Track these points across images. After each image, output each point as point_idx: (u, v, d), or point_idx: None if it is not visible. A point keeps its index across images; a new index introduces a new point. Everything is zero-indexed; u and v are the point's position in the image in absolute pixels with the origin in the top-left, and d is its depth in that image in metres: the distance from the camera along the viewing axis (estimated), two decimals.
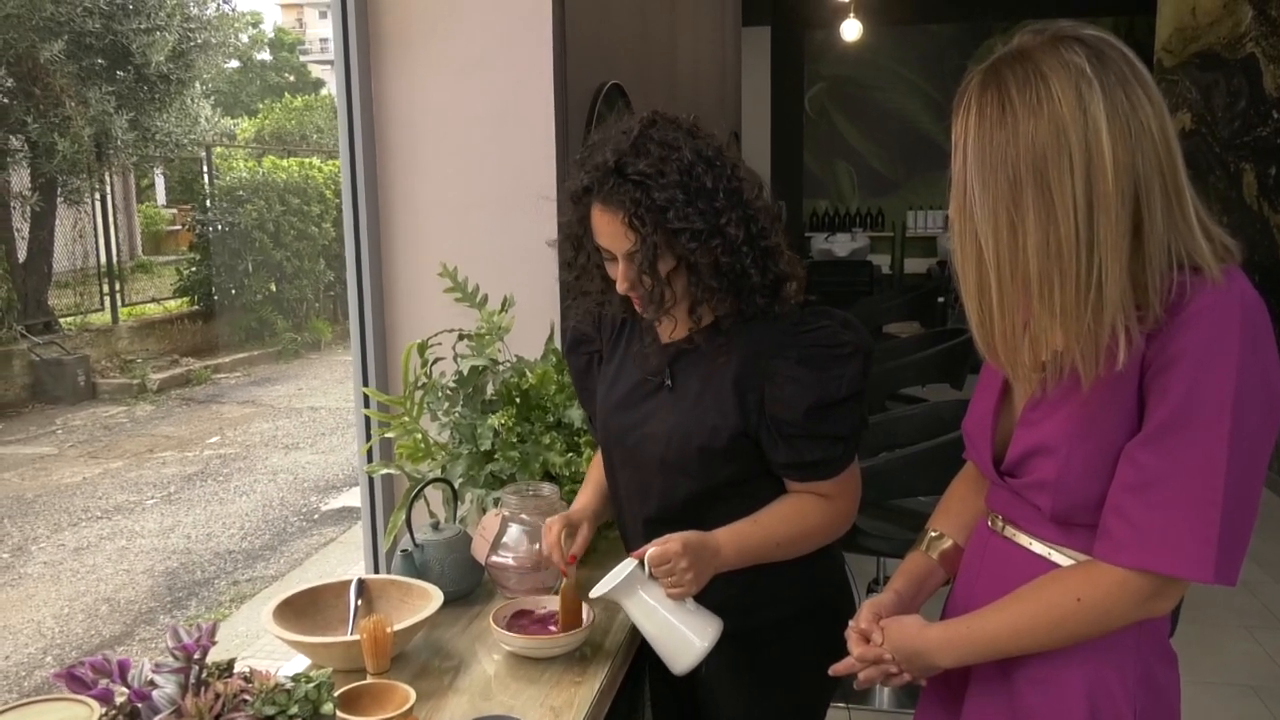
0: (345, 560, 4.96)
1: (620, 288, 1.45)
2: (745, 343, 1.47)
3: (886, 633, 1.25)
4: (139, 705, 1.08)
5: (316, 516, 5.67)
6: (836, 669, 1.30)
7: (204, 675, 1.11)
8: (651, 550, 1.38)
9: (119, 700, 1.10)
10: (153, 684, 1.09)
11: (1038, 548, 1.20)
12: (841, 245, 9.37)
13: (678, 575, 1.37)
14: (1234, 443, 1.02)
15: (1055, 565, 1.17)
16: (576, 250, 1.53)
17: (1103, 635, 1.13)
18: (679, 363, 1.52)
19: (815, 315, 1.48)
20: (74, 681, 1.10)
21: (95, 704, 1.06)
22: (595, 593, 1.40)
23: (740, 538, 1.45)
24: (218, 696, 1.07)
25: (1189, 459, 1.04)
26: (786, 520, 1.48)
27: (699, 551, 1.39)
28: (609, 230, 1.42)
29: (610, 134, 1.46)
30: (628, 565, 1.40)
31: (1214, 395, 1.02)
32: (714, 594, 1.42)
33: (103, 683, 1.10)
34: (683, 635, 1.39)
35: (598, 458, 1.70)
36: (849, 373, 1.43)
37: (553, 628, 1.53)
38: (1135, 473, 1.07)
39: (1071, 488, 1.12)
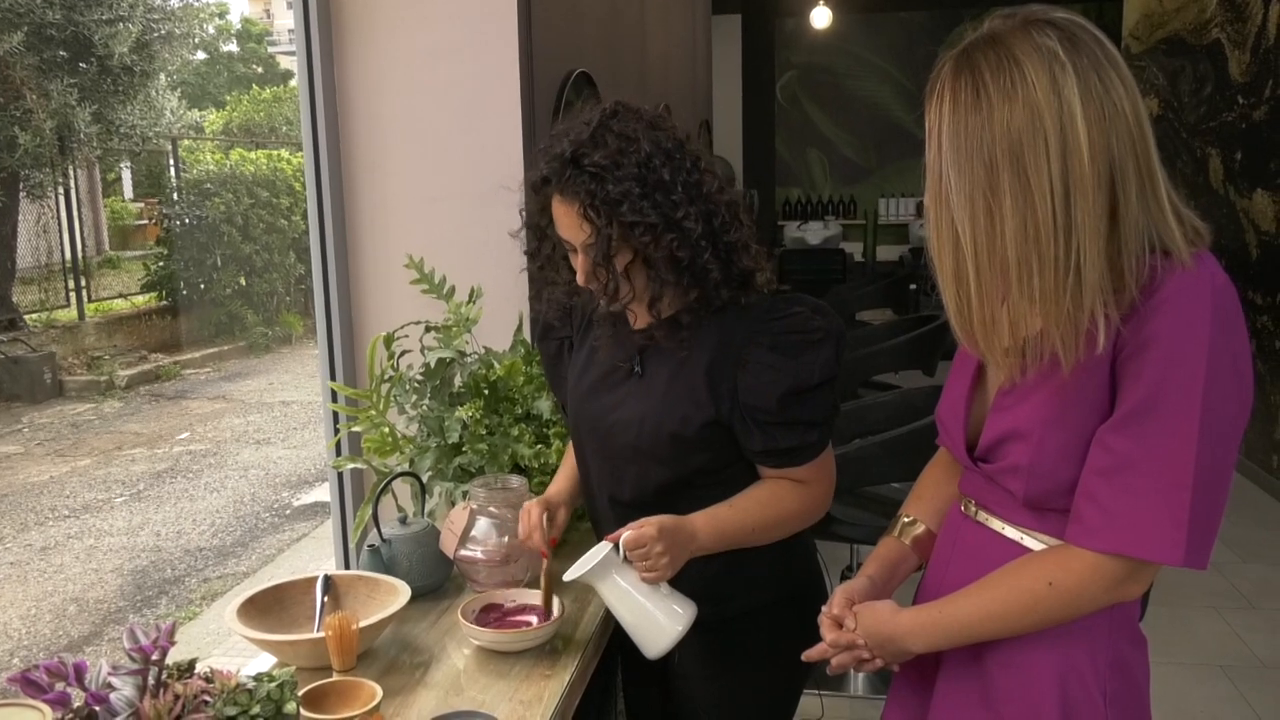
0: (318, 556, 4.91)
1: (579, 279, 1.44)
2: (716, 331, 1.45)
3: (859, 618, 1.25)
4: (96, 708, 1.06)
5: (289, 512, 5.61)
6: (809, 655, 1.29)
7: (163, 676, 1.09)
8: (627, 534, 1.37)
9: (76, 704, 1.07)
10: (110, 686, 1.07)
11: (1010, 532, 1.19)
12: (814, 233, 9.39)
13: (653, 559, 1.36)
14: (1204, 427, 1.02)
15: (1028, 550, 1.17)
16: (540, 241, 1.52)
17: (1074, 619, 1.13)
18: (649, 350, 1.51)
19: (786, 302, 1.47)
20: (29, 685, 1.07)
21: (46, 709, 1.03)
22: (569, 576, 1.38)
23: (716, 522, 1.44)
24: (177, 698, 1.05)
25: (1160, 443, 1.04)
26: (763, 505, 1.47)
27: (674, 535, 1.38)
28: (566, 221, 1.42)
29: (573, 124, 1.44)
30: (603, 549, 1.38)
31: (1185, 380, 1.02)
32: (687, 582, 1.41)
33: (59, 686, 1.07)
34: (657, 620, 1.38)
35: (571, 446, 1.69)
36: (821, 358, 1.42)
37: (533, 618, 1.51)
38: (1106, 457, 1.07)
39: (1044, 472, 1.12)
